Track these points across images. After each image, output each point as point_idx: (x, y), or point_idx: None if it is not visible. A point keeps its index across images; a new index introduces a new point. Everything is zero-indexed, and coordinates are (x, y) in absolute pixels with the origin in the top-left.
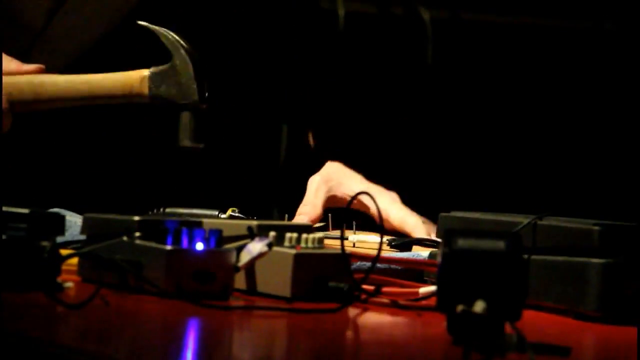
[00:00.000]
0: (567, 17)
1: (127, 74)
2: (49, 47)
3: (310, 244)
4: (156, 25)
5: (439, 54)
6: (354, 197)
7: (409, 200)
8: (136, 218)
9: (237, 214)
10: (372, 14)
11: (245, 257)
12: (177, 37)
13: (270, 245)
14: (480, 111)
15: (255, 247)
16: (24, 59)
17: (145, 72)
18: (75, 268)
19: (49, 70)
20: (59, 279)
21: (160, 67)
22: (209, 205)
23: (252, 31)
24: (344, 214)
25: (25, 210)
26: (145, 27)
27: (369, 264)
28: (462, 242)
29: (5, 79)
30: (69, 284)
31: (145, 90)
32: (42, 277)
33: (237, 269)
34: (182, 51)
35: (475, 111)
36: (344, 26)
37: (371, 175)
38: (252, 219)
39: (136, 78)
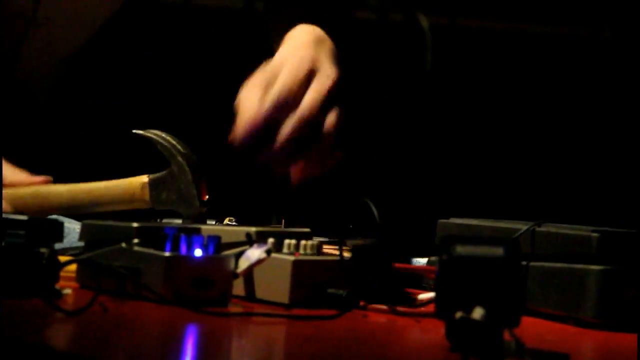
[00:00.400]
0: (565, 24)
1: (127, 181)
2: (45, 36)
3: (309, 251)
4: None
5: (437, 60)
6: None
7: (407, 205)
8: (135, 225)
9: (233, 223)
10: (372, 20)
11: (243, 264)
12: (173, 142)
13: (269, 252)
14: (478, 117)
15: (254, 253)
16: (20, 51)
17: (145, 179)
18: (73, 275)
19: (46, 65)
20: (57, 286)
21: (159, 175)
22: (207, 215)
23: (244, 31)
24: (341, 219)
25: (24, 217)
26: (141, 135)
27: None
28: (460, 249)
29: (12, 191)
30: (67, 291)
31: (147, 197)
32: (40, 283)
33: (235, 276)
34: (179, 157)
35: (473, 117)
36: None
37: (371, 180)
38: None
39: (137, 185)
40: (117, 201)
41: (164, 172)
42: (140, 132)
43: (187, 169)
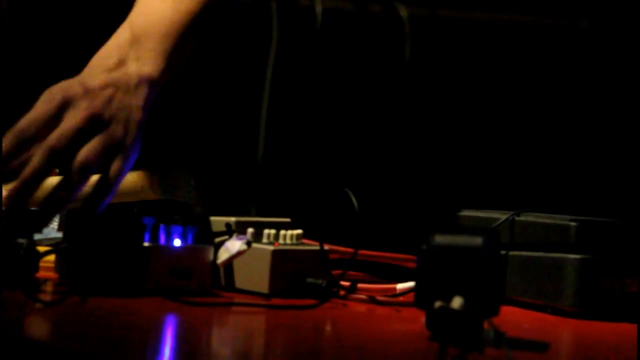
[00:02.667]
0: (545, 14)
1: (135, 173)
2: None
3: (288, 240)
4: None
5: (417, 51)
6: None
7: (388, 197)
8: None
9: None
10: (350, 10)
11: (223, 255)
12: None
13: (249, 244)
14: (459, 108)
15: (234, 245)
16: None
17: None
18: (52, 265)
19: None
20: (37, 276)
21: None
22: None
23: (228, 27)
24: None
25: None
26: None
27: None
28: (439, 239)
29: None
30: (46, 281)
31: (155, 189)
32: (18, 274)
33: (215, 267)
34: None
35: (454, 108)
36: (321, 23)
37: (348, 173)
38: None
39: (144, 177)
40: (125, 193)
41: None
42: None
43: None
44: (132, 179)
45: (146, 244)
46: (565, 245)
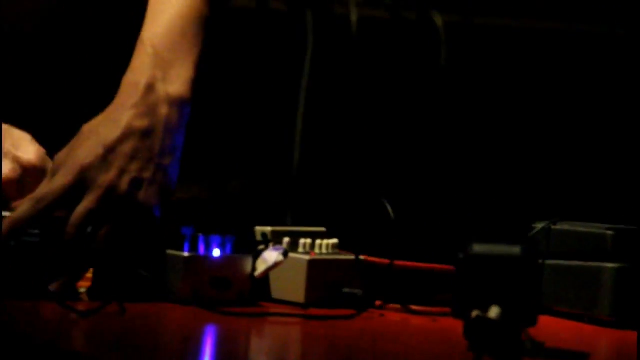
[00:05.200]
0: (580, 21)
1: None
2: None
3: (324, 250)
4: None
5: (452, 58)
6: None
7: (423, 204)
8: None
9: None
10: (385, 19)
11: (261, 267)
12: None
13: (286, 254)
14: (494, 115)
15: (271, 256)
16: None
17: None
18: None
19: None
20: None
21: None
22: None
23: (264, 36)
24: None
25: None
26: None
27: None
28: (477, 248)
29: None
30: (84, 290)
31: None
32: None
33: (253, 278)
34: None
35: (489, 115)
36: (357, 31)
37: (385, 182)
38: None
39: None
40: None
41: None
42: None
43: None
44: None
45: (185, 254)
46: (602, 254)
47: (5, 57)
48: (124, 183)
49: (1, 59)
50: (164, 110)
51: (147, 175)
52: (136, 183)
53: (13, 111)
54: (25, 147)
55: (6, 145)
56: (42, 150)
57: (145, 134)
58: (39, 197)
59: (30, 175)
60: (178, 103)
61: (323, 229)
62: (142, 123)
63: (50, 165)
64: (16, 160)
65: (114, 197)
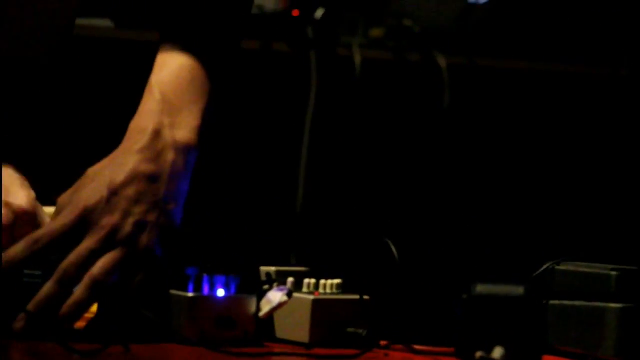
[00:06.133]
0: (583, 62)
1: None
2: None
3: (328, 290)
4: None
5: (456, 99)
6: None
7: (427, 244)
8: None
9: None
10: (389, 60)
11: (265, 307)
12: None
13: (290, 294)
14: (496, 155)
15: (276, 296)
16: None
17: None
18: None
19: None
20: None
21: None
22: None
23: (267, 78)
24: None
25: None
26: None
27: None
28: (480, 288)
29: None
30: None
31: None
32: (56, 324)
33: (257, 319)
34: None
35: (491, 155)
36: (360, 73)
37: (388, 222)
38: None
39: None
40: None
41: None
42: None
43: None
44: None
45: (190, 294)
46: (606, 294)
47: (5, 90)
48: (128, 225)
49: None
50: (170, 156)
51: (151, 218)
52: (140, 226)
53: (12, 149)
54: (15, 193)
55: None
56: (32, 195)
57: (151, 178)
58: (36, 237)
59: (21, 220)
60: (184, 150)
61: (328, 268)
62: (148, 168)
63: (40, 209)
64: (7, 205)
65: (117, 238)
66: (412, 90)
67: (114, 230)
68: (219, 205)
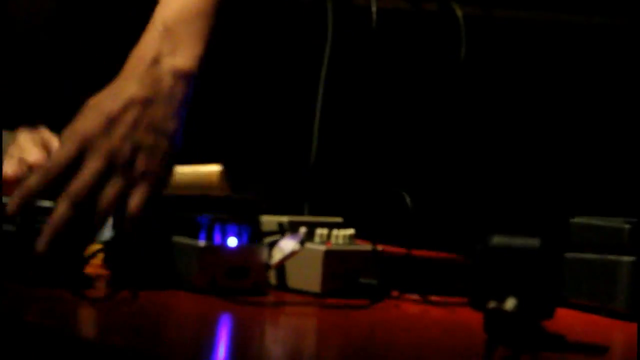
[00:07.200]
0: (602, 13)
1: (204, 168)
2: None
3: (340, 240)
4: None
5: (472, 50)
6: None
7: (441, 195)
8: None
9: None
10: (406, 10)
11: (277, 256)
12: None
13: (302, 243)
14: (512, 107)
15: (288, 245)
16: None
17: (220, 167)
18: (100, 262)
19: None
20: (86, 272)
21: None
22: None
23: (282, 28)
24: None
25: (50, 204)
26: None
27: None
28: (496, 240)
29: None
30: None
31: (224, 185)
32: (67, 271)
33: (268, 267)
34: None
35: (508, 107)
36: (377, 22)
37: (402, 173)
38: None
39: (214, 173)
40: (193, 187)
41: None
42: None
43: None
44: (202, 174)
45: (201, 243)
46: (619, 247)
47: (12, 58)
48: (126, 149)
49: (8, 60)
50: (168, 81)
51: (149, 142)
52: (139, 149)
53: (21, 110)
54: (29, 149)
55: (11, 149)
56: (45, 153)
57: (147, 103)
58: (44, 169)
59: None
60: (183, 76)
61: (339, 219)
62: (144, 93)
63: None
64: (22, 161)
65: (117, 163)
66: (429, 40)
67: (113, 154)
68: (233, 155)
